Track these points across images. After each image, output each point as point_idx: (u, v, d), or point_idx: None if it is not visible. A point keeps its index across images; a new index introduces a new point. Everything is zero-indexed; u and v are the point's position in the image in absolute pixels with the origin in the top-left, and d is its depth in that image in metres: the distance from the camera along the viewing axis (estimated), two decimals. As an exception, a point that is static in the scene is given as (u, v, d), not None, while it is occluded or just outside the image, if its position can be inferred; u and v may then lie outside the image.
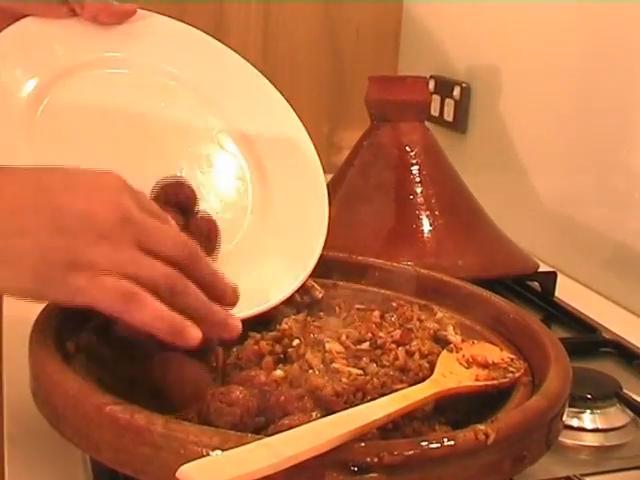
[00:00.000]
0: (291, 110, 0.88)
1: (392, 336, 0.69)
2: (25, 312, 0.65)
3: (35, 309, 0.65)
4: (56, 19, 0.80)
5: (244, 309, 0.68)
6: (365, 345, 0.68)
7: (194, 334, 0.58)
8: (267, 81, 0.89)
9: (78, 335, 0.66)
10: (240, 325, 0.63)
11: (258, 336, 0.69)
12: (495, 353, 0.68)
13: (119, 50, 0.83)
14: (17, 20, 0.78)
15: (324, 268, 0.83)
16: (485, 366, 0.66)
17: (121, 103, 0.82)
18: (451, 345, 0.68)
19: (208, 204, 0.79)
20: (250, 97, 0.88)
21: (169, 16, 0.86)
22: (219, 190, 0.82)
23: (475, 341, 0.70)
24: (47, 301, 0.61)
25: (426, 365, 0.65)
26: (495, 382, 0.64)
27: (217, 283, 0.63)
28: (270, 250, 0.80)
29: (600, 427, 0.76)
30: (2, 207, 0.56)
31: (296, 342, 0.68)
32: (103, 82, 0.82)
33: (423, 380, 0.63)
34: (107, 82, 0.82)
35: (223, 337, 0.63)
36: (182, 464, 0.46)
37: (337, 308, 0.79)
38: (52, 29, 0.80)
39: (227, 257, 0.76)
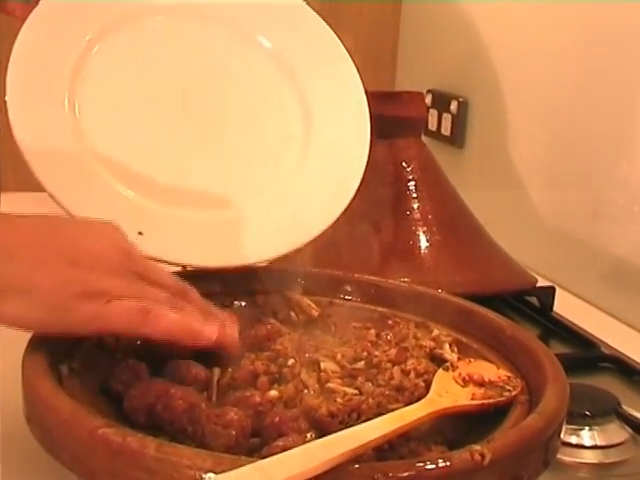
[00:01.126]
0: (335, 38, 0.97)
1: (388, 355, 0.69)
2: (19, 332, 0.65)
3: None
4: None
5: (291, 241, 0.82)
6: (361, 364, 0.68)
7: (211, 331, 0.66)
8: (307, 6, 0.97)
9: (72, 357, 0.65)
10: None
11: (253, 356, 0.69)
12: (492, 371, 0.67)
13: None
14: None
15: (320, 285, 0.83)
16: (482, 384, 0.65)
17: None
18: (447, 364, 0.68)
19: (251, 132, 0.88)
20: (290, 24, 0.95)
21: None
22: (262, 118, 0.90)
23: (472, 359, 0.70)
24: (61, 331, 0.62)
25: (422, 384, 0.65)
26: (492, 401, 0.64)
27: (211, 307, 0.71)
28: (313, 176, 0.88)
29: (599, 444, 0.75)
30: (20, 244, 0.61)
31: (291, 362, 0.67)
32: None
33: (419, 399, 0.63)
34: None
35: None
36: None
37: (333, 326, 0.78)
38: None
39: (272, 183, 0.86)
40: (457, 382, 0.65)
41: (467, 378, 0.65)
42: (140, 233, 0.78)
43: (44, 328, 0.62)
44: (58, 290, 0.60)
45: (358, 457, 0.52)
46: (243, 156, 0.89)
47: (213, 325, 0.67)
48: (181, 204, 0.84)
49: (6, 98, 0.79)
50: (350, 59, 0.96)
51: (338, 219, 0.87)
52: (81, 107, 0.83)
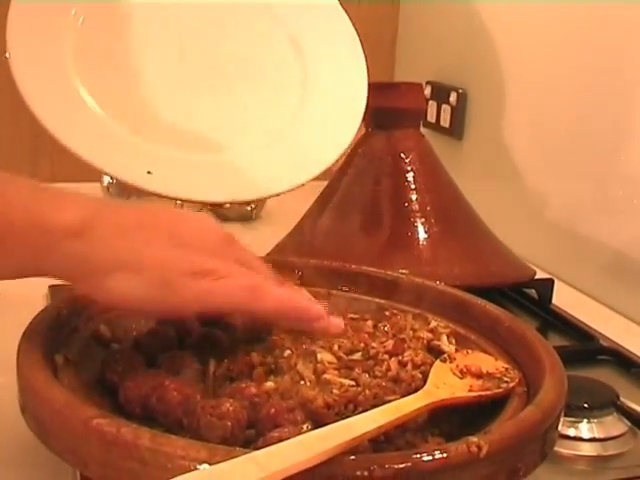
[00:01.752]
0: None
1: (385, 346, 0.68)
2: (15, 322, 0.65)
3: (25, 319, 0.65)
4: None
5: (289, 180, 0.89)
6: (357, 355, 0.68)
7: (319, 310, 0.64)
8: None
9: (67, 347, 0.65)
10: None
11: (249, 347, 0.68)
12: (489, 363, 0.67)
13: None
14: None
15: (317, 276, 0.82)
16: (479, 376, 0.65)
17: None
18: (444, 355, 0.67)
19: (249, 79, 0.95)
20: None
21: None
22: (259, 66, 0.97)
23: (469, 351, 0.69)
24: (167, 309, 0.62)
25: (419, 376, 0.64)
26: (489, 393, 0.63)
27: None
28: (312, 119, 0.95)
29: (597, 437, 0.75)
30: (129, 224, 0.62)
31: (287, 353, 0.67)
32: None
33: (416, 391, 0.62)
34: None
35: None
36: (169, 479, 0.45)
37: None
38: None
39: (272, 126, 0.93)
40: (454, 374, 0.65)
41: (465, 370, 0.65)
42: (149, 172, 0.85)
43: (150, 305, 0.61)
44: (168, 267, 0.60)
45: (354, 449, 0.52)
46: (242, 102, 0.96)
47: (320, 305, 0.66)
48: (185, 146, 0.90)
49: (6, 55, 0.84)
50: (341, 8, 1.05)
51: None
52: (80, 60, 0.87)
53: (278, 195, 0.93)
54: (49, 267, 0.60)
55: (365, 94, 0.98)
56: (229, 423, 0.57)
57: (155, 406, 0.59)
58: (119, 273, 0.59)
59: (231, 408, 0.57)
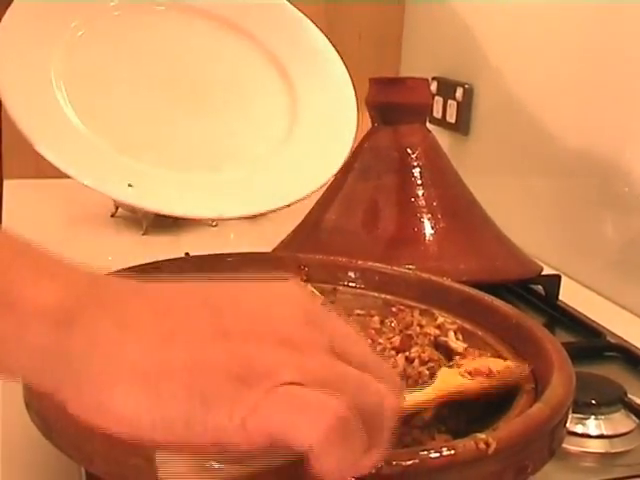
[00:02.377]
0: (311, 24, 1.08)
1: (392, 342, 0.68)
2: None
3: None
4: None
5: (273, 203, 0.93)
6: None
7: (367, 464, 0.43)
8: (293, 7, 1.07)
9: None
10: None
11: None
12: (499, 363, 0.66)
13: None
14: None
15: (323, 272, 0.82)
16: (489, 375, 0.64)
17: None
18: (452, 362, 0.67)
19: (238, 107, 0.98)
20: (273, 19, 1.05)
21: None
22: (248, 95, 1.01)
23: (477, 355, 0.69)
24: (198, 437, 0.40)
25: (426, 372, 0.64)
26: (499, 382, 0.62)
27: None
28: (301, 145, 0.98)
29: (605, 433, 0.74)
30: (141, 308, 0.42)
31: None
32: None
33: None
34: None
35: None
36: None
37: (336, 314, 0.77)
38: None
39: (260, 151, 0.96)
40: (463, 376, 0.64)
41: (474, 372, 0.64)
42: (130, 185, 0.85)
43: (174, 433, 0.40)
44: (197, 372, 0.40)
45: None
46: (231, 127, 0.98)
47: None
48: (170, 166, 0.92)
49: None
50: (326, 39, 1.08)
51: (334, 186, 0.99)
52: (67, 80, 0.88)
53: (264, 214, 0.99)
54: (13, 363, 0.42)
55: (355, 122, 1.03)
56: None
57: None
58: (120, 386, 0.40)
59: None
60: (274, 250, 1.05)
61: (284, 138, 0.97)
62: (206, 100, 0.97)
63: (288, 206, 0.96)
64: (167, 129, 0.94)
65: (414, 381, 0.63)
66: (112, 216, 1.30)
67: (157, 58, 0.95)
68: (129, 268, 0.76)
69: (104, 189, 0.83)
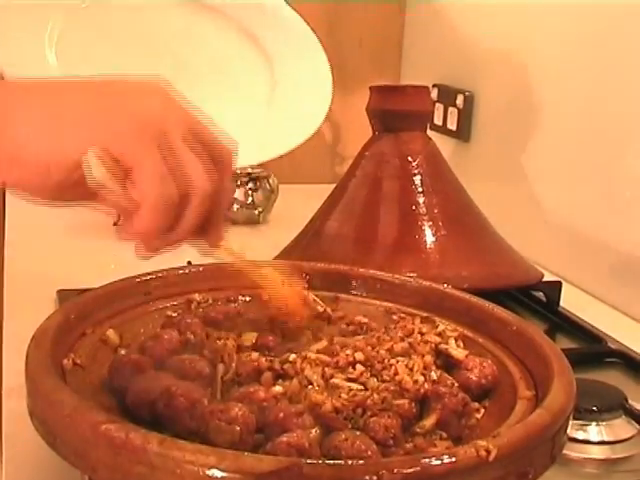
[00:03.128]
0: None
1: (393, 350, 0.68)
2: (24, 327, 0.65)
3: (34, 323, 0.65)
4: None
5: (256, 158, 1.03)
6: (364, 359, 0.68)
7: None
8: None
9: (75, 352, 0.65)
10: None
11: (256, 353, 0.68)
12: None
13: None
14: None
15: (325, 280, 0.82)
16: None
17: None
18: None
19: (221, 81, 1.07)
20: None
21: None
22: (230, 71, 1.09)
23: (479, 359, 0.69)
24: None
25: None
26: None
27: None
28: (279, 109, 1.08)
29: (606, 439, 0.75)
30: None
31: (292, 357, 0.67)
32: None
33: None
34: None
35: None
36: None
37: (338, 321, 0.78)
38: None
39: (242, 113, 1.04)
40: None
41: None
42: None
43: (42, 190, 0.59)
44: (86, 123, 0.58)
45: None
46: (216, 94, 1.06)
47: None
48: None
49: None
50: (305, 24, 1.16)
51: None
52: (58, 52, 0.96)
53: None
54: None
55: (330, 93, 1.13)
56: (238, 428, 0.57)
57: (162, 412, 0.59)
58: (29, 138, 0.57)
59: (240, 413, 0.57)
60: (276, 258, 1.05)
61: (266, 101, 1.08)
62: (190, 77, 1.04)
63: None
64: None
65: (415, 389, 0.63)
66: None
67: (142, 44, 1.03)
68: (132, 277, 0.77)
69: None
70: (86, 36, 0.99)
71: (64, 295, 0.96)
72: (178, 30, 1.07)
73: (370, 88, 1.11)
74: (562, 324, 1.03)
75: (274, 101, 1.08)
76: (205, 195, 0.60)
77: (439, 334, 0.73)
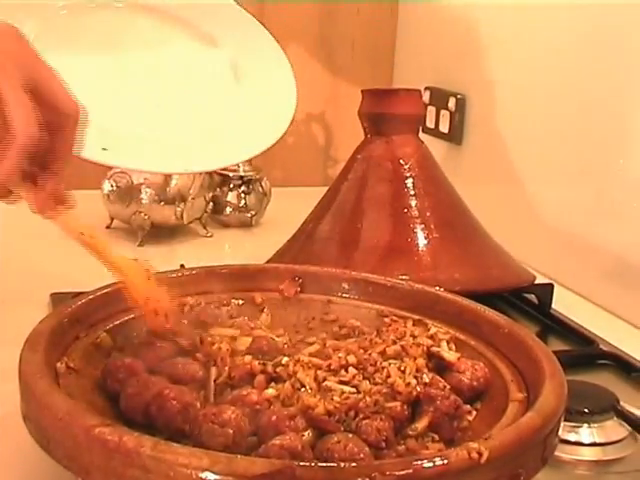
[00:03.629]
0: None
1: (385, 353, 0.69)
2: (17, 330, 0.65)
3: (28, 327, 0.65)
4: None
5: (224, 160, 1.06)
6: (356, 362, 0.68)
7: None
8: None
9: (69, 355, 0.65)
10: None
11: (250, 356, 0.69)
12: None
13: None
14: None
15: (318, 283, 0.82)
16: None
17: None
18: None
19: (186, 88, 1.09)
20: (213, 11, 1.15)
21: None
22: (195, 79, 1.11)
23: (471, 361, 0.69)
24: None
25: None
26: None
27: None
28: (243, 114, 1.09)
29: (597, 441, 0.75)
30: None
31: (285, 360, 0.67)
32: None
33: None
34: None
35: None
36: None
37: (330, 324, 0.78)
38: None
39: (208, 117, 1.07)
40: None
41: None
42: (104, 149, 0.93)
43: None
44: None
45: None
46: (184, 103, 1.09)
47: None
48: (136, 127, 1.01)
49: None
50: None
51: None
52: None
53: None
54: None
55: (292, 79, 1.12)
56: (231, 431, 0.57)
57: (155, 415, 0.60)
58: None
59: (233, 415, 0.58)
60: (269, 261, 1.05)
61: (231, 105, 1.09)
62: (160, 83, 1.08)
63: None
64: (121, 110, 1.03)
65: (407, 391, 0.64)
66: (107, 227, 1.31)
67: (112, 51, 1.06)
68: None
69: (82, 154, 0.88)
70: (59, 42, 1.00)
71: (58, 298, 0.96)
72: (148, 37, 1.10)
73: (362, 92, 1.11)
74: (554, 326, 1.04)
75: (238, 105, 1.10)
76: (27, 138, 0.61)
77: (431, 337, 0.73)
